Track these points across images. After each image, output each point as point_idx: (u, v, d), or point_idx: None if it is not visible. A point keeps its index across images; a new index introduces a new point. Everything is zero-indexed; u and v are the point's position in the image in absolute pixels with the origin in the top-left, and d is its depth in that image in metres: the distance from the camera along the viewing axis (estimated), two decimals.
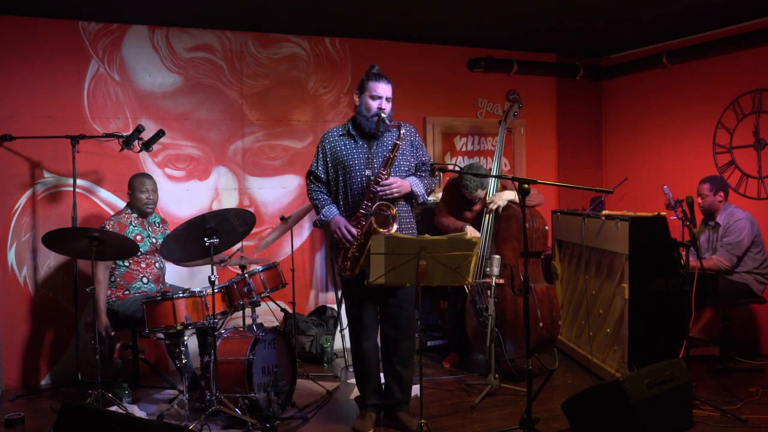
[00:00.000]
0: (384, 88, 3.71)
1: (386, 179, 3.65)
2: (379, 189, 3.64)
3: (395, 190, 3.66)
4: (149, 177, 4.62)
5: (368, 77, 3.75)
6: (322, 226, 3.87)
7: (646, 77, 6.33)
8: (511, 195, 4.76)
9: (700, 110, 5.84)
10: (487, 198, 4.81)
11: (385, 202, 3.62)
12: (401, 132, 3.67)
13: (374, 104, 3.70)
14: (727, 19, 5.33)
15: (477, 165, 5.04)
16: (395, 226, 3.57)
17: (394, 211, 3.60)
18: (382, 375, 3.99)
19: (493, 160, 5.04)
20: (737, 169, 5.54)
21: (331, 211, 3.79)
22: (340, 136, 3.82)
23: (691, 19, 5.31)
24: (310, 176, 3.90)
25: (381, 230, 3.54)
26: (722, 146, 5.67)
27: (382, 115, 3.67)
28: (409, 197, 3.82)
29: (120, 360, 4.73)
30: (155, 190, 4.60)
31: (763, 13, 5.12)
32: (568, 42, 6.18)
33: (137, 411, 4.21)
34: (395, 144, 3.67)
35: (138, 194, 4.53)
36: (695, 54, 5.72)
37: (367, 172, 3.73)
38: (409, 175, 3.83)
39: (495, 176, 4.78)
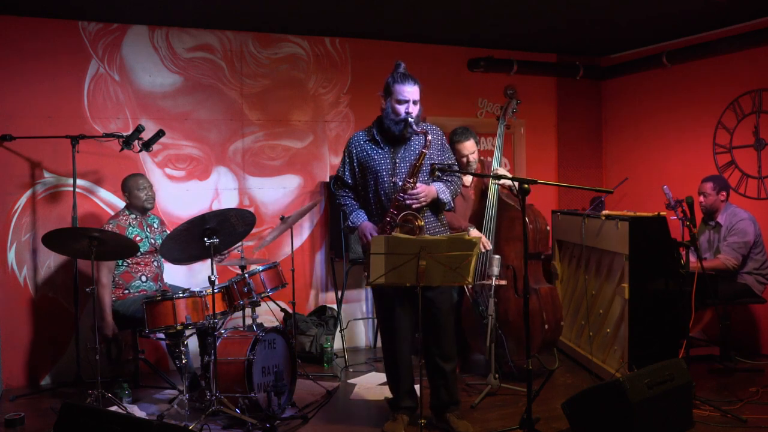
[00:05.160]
0: (410, 91, 3.63)
1: (413, 188, 3.60)
2: (405, 197, 3.60)
3: (422, 199, 3.62)
4: (142, 176, 4.67)
5: (393, 79, 3.66)
6: (350, 231, 3.87)
7: (646, 77, 6.33)
8: (502, 171, 4.75)
9: (700, 110, 5.84)
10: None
11: (411, 213, 3.59)
12: (428, 139, 3.60)
13: (401, 108, 3.62)
14: (727, 19, 5.33)
15: (462, 129, 4.91)
16: None
17: (421, 222, 3.59)
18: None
19: (492, 159, 5.05)
20: (737, 169, 5.53)
21: (359, 217, 3.77)
22: (366, 141, 3.76)
23: (691, 19, 5.31)
24: (337, 181, 3.86)
25: None
26: (722, 146, 5.67)
27: (410, 119, 3.60)
28: (435, 204, 3.75)
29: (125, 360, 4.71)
30: (151, 186, 4.64)
31: (763, 13, 5.12)
32: (568, 42, 6.17)
33: (137, 411, 4.21)
34: (421, 152, 3.60)
35: (136, 193, 4.55)
36: (695, 54, 5.72)
37: (394, 179, 3.67)
38: (435, 180, 3.78)
39: (495, 176, 4.77)
